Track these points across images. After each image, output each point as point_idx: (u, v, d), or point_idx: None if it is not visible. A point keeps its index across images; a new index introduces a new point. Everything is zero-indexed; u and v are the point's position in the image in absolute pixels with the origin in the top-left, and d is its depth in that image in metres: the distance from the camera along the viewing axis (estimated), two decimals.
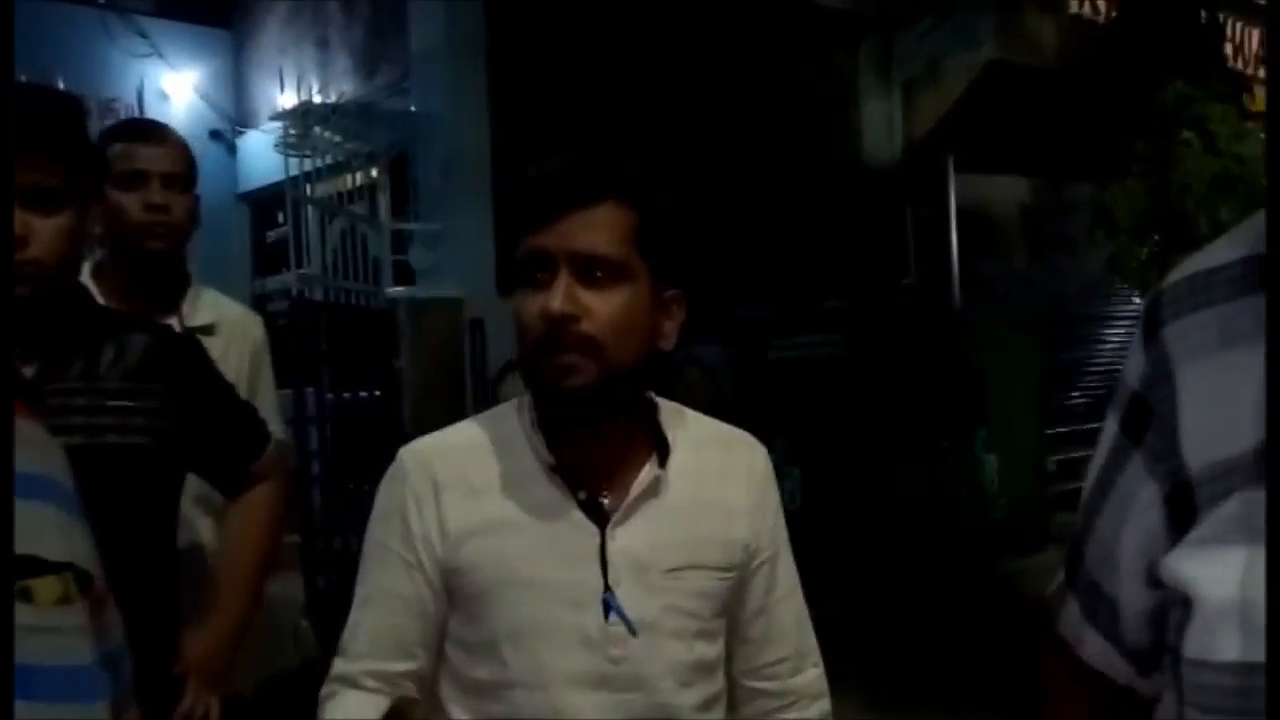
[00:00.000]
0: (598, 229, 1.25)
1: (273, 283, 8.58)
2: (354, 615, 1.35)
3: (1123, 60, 7.04)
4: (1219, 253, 0.82)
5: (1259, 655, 0.69)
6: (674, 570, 1.31)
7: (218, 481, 1.93)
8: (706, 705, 1.34)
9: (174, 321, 2.26)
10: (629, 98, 7.03)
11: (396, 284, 7.50)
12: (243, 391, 2.15)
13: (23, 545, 0.82)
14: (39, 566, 0.84)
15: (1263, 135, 7.72)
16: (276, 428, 2.36)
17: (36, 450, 0.90)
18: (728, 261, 7.57)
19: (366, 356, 7.31)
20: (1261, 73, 8.74)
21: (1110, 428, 0.87)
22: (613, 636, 1.28)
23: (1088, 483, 0.90)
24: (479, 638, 1.30)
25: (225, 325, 2.47)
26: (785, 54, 6.81)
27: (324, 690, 1.34)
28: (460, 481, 1.32)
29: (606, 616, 1.28)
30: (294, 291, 7.44)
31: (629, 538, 1.30)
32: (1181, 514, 0.78)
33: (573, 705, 1.27)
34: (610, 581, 1.29)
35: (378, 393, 7.33)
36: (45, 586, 0.84)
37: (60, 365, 1.58)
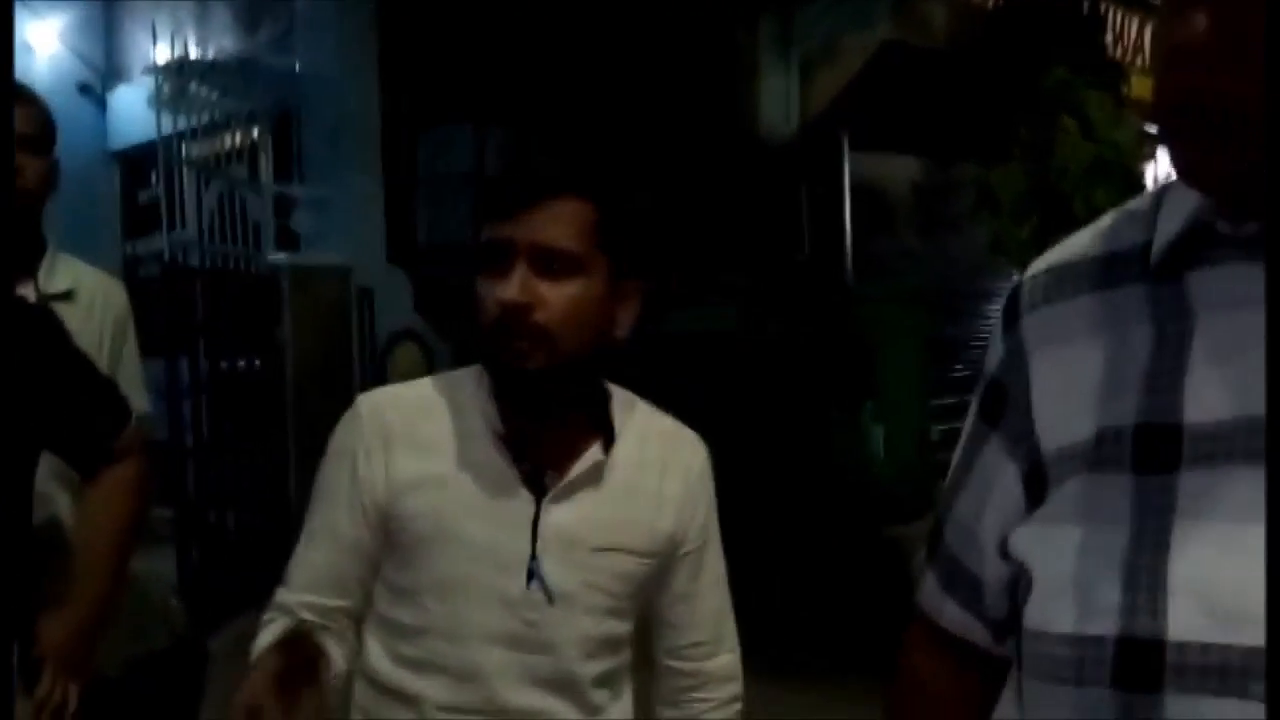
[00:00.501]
0: (558, 223, 1.32)
1: (144, 245, 8.20)
2: (299, 548, 1.43)
3: (1008, 45, 7.23)
4: (1073, 249, 0.85)
5: (1092, 628, 0.73)
6: (599, 549, 1.40)
7: (74, 460, 1.86)
8: (606, 678, 1.44)
9: (29, 290, 2.17)
10: (525, 61, 6.90)
11: (279, 250, 7.25)
12: (104, 363, 2.10)
13: None
14: None
15: (1139, 121, 8.03)
16: (140, 402, 2.30)
17: None
18: (625, 233, 7.54)
19: (246, 325, 7.06)
20: (1140, 61, 9.10)
21: (972, 412, 0.92)
22: (531, 601, 1.36)
23: (952, 464, 0.95)
24: (407, 584, 1.38)
25: (84, 292, 2.38)
26: (683, 26, 6.79)
27: (265, 615, 1.41)
28: (410, 435, 1.39)
29: (529, 583, 1.36)
30: (167, 255, 7.12)
31: (562, 514, 1.38)
32: (1037, 493, 0.81)
33: (484, 659, 1.36)
34: (538, 550, 1.36)
35: (257, 363, 7.09)
36: None
37: None
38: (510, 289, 1.30)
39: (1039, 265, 0.89)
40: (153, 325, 7.77)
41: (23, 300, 1.83)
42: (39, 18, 7.99)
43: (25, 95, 2.18)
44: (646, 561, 1.44)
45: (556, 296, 1.31)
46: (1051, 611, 0.76)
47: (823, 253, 7.40)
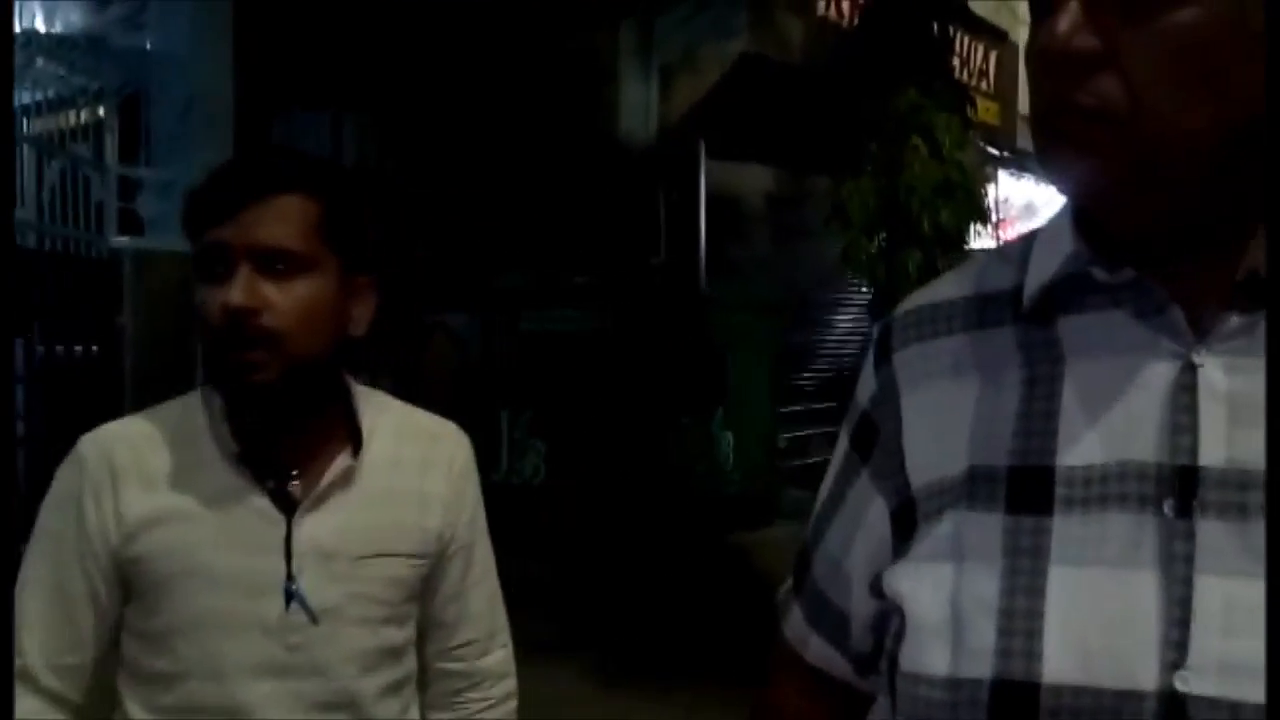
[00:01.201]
0: (277, 221, 1.25)
1: None
2: (23, 605, 1.31)
3: (861, 65, 7.45)
4: (945, 289, 0.87)
5: (968, 670, 0.73)
6: (363, 558, 1.33)
7: None
8: (391, 689, 1.37)
9: None
10: (383, 55, 6.83)
11: (122, 233, 7.00)
12: None
13: None
14: None
15: (982, 143, 8.34)
16: None
17: None
18: (482, 232, 7.52)
19: (85, 309, 6.80)
20: (984, 85, 9.47)
21: (842, 444, 0.91)
22: (292, 624, 1.29)
23: (820, 495, 0.93)
24: (155, 628, 1.29)
25: None
26: (546, 29, 6.81)
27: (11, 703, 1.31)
28: (140, 471, 1.30)
29: (288, 606, 1.29)
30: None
31: (316, 526, 1.31)
32: (906, 530, 0.81)
33: (247, 694, 1.27)
34: (294, 570, 1.29)
35: (95, 348, 6.84)
36: None
37: None
38: (234, 293, 1.22)
39: (910, 303, 0.88)
40: None
41: None
42: None
43: None
44: (417, 563, 1.38)
45: (284, 298, 1.24)
46: (926, 653, 0.76)
47: (678, 258, 7.49)
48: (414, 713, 1.43)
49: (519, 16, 6.80)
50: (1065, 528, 0.73)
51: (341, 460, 1.33)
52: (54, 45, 6.77)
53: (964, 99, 8.04)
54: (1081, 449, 0.74)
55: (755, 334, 7.29)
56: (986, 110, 9.37)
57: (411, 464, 1.39)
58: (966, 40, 8.88)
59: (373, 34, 6.71)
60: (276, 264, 1.24)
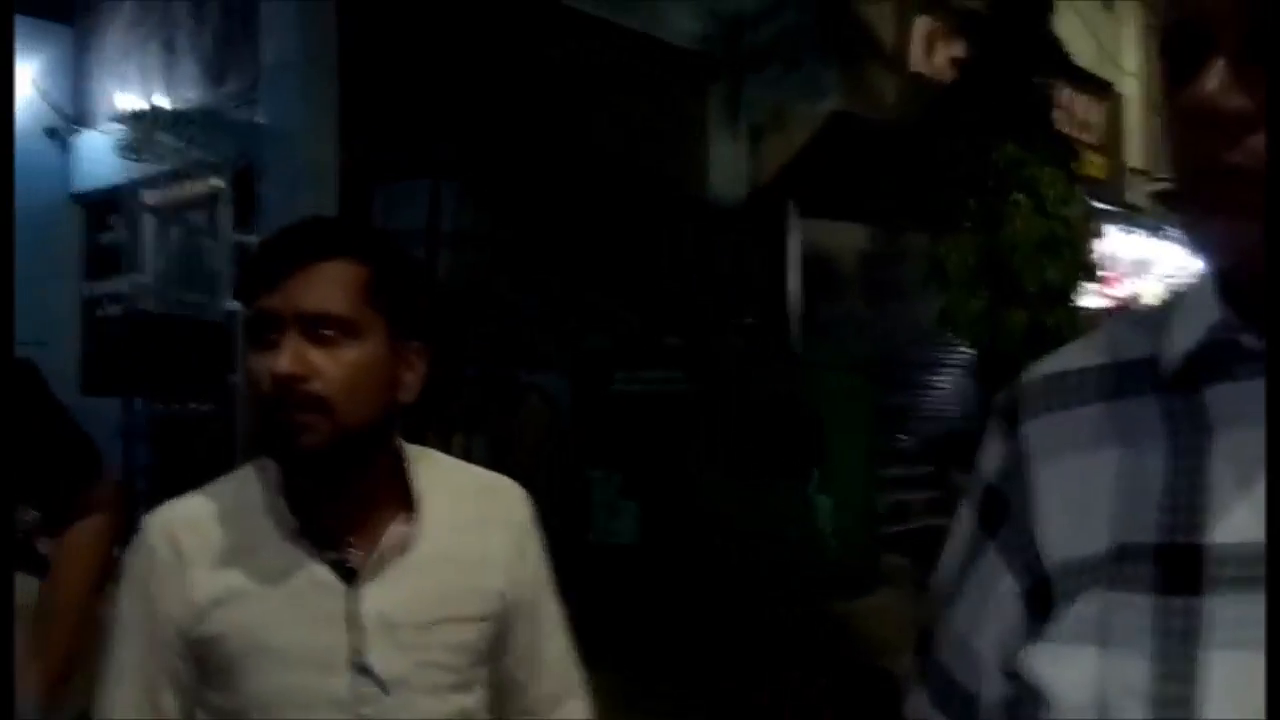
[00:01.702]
0: (324, 287, 1.25)
1: (104, 288, 8.28)
2: (107, 686, 1.34)
3: (959, 120, 7.34)
4: (1076, 356, 0.84)
5: None
6: (426, 625, 1.32)
7: (45, 510, 1.89)
8: None
9: None
10: (482, 125, 7.02)
11: (236, 298, 7.31)
12: None
13: None
14: None
15: (1087, 197, 8.11)
16: None
17: None
18: (574, 294, 7.61)
19: (200, 370, 7.12)
20: (1086, 137, 9.23)
21: (965, 519, 0.88)
22: (363, 697, 1.28)
23: (941, 571, 0.90)
24: (229, 706, 1.29)
25: None
26: (635, 91, 6.91)
27: None
28: (204, 551, 1.31)
29: (357, 678, 1.28)
30: (126, 298, 7.21)
31: (379, 595, 1.30)
32: (1041, 609, 0.78)
33: None
34: (360, 642, 1.28)
35: (209, 406, 7.15)
36: None
37: None
38: (282, 360, 1.22)
39: (1038, 370, 0.85)
40: (109, 366, 7.89)
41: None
42: None
43: None
44: (481, 626, 1.36)
45: (332, 364, 1.24)
46: None
47: (769, 318, 7.44)
48: None
49: (610, 82, 6.92)
50: (1218, 609, 0.69)
51: (398, 526, 1.32)
52: (173, 121, 7.18)
53: (1068, 152, 7.86)
54: (1234, 525, 0.70)
55: (850, 395, 7.15)
56: (1092, 163, 9.11)
57: (469, 524, 1.38)
58: (1069, 93, 8.67)
59: (470, 104, 6.91)
60: (324, 330, 1.24)
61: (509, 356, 7.18)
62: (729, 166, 7.23)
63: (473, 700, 1.36)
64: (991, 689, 0.84)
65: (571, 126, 6.94)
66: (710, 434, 6.79)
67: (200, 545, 1.31)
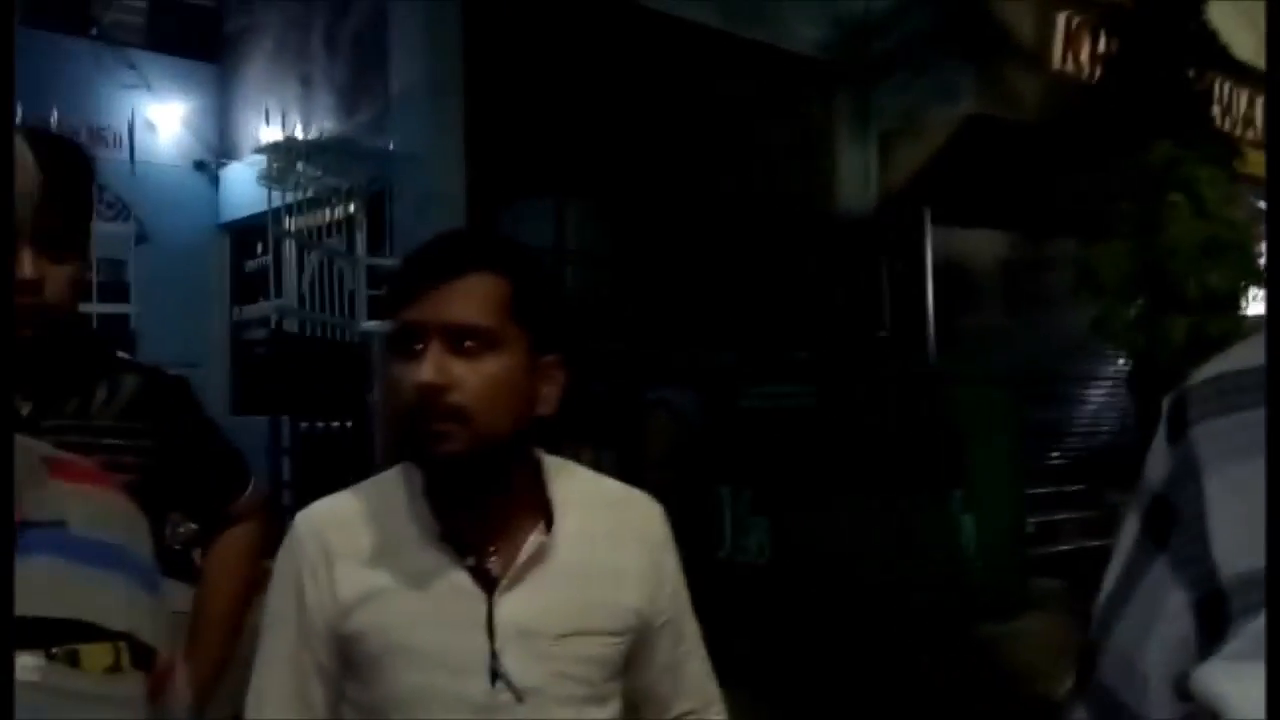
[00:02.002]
0: (467, 299, 1.28)
1: (250, 312, 8.65)
2: (257, 679, 1.38)
3: (1106, 118, 6.98)
4: (1245, 355, 0.79)
5: None
6: (562, 636, 1.32)
7: (199, 519, 1.96)
8: None
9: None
10: (605, 143, 7.03)
11: (371, 318, 7.53)
12: None
13: (82, 611, 0.83)
14: (92, 633, 0.84)
15: (1253, 198, 7.60)
16: None
17: (117, 519, 0.92)
18: (703, 308, 7.53)
19: (340, 388, 7.32)
20: (1250, 134, 8.64)
21: (1130, 530, 0.83)
22: (498, 703, 1.29)
23: (1105, 586, 0.86)
24: (369, 701, 1.32)
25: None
26: (761, 102, 6.80)
27: None
28: (351, 550, 1.34)
29: (493, 684, 1.29)
30: (271, 322, 7.48)
31: (516, 604, 1.31)
32: (1213, 623, 0.73)
33: None
34: (497, 648, 1.30)
35: (349, 424, 7.34)
36: (94, 653, 0.83)
37: (55, 403, 1.64)
38: (425, 371, 1.25)
39: (1208, 371, 0.81)
40: (256, 387, 8.20)
41: (161, 371, 1.91)
42: (162, 101, 8.66)
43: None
44: (616, 641, 1.37)
45: (473, 375, 1.27)
46: None
47: (904, 330, 7.20)
48: None
49: (734, 94, 6.83)
50: None
51: (535, 536, 1.34)
52: (310, 150, 7.44)
53: (1229, 150, 7.38)
54: None
55: (993, 410, 6.83)
56: (1257, 161, 8.54)
57: (603, 537, 1.39)
58: (1228, 87, 8.15)
59: (593, 123, 6.92)
60: (466, 341, 1.27)
61: (636, 373, 7.14)
62: (859, 175, 7.05)
63: (607, 714, 1.37)
64: (1159, 709, 0.79)
65: (696, 141, 6.88)
66: (842, 450, 6.60)
67: (347, 544, 1.35)
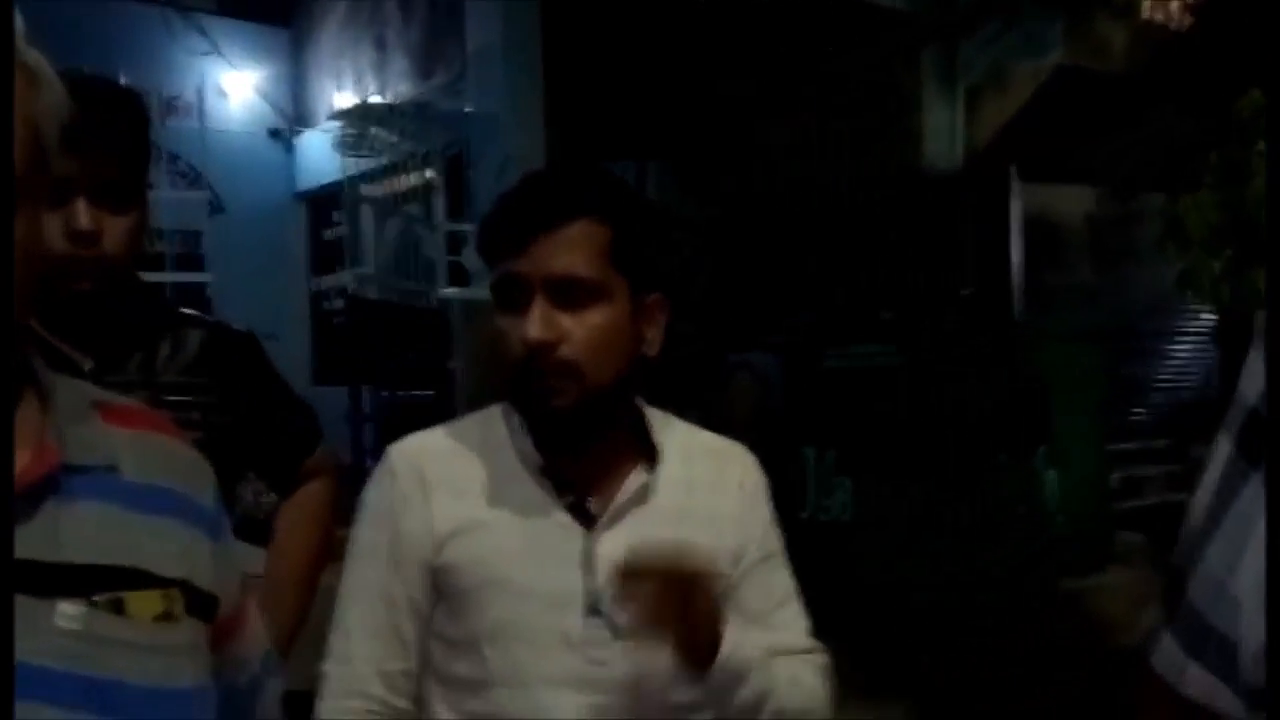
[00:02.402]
0: (568, 251, 1.26)
1: (328, 281, 8.66)
2: (347, 615, 1.35)
3: (1197, 68, 6.82)
4: None
5: None
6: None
7: (270, 477, 1.91)
8: (695, 707, 1.33)
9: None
10: (685, 101, 6.96)
11: (451, 285, 7.53)
12: None
13: (132, 558, 0.81)
14: (142, 580, 0.81)
15: None
16: None
17: (175, 465, 0.90)
18: (784, 269, 7.48)
19: (420, 356, 7.35)
20: None
21: (1223, 448, 0.81)
22: (594, 639, 1.29)
23: (1194, 508, 0.84)
24: (461, 635, 1.31)
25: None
26: (844, 58, 6.70)
27: (328, 701, 1.33)
28: (448, 481, 1.33)
29: (590, 619, 1.29)
30: (349, 290, 7.51)
31: (614, 542, 1.29)
32: None
33: (553, 706, 1.27)
34: (595, 585, 1.29)
35: (430, 393, 7.37)
36: (142, 601, 0.81)
37: (118, 359, 1.59)
38: (533, 327, 1.25)
39: None
40: (336, 357, 8.25)
41: (227, 326, 1.87)
42: (235, 68, 8.61)
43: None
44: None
45: (580, 328, 1.26)
46: None
47: (989, 288, 7.12)
48: None
49: (817, 51, 6.73)
50: None
51: (636, 477, 1.34)
52: (387, 115, 7.41)
53: None
54: None
55: (1079, 367, 6.78)
56: None
57: (702, 484, 1.39)
58: None
59: (672, 83, 6.85)
60: (571, 293, 1.26)
61: (718, 336, 7.12)
62: (945, 131, 6.94)
63: None
64: (1254, 633, 0.77)
65: (779, 100, 6.79)
66: (926, 409, 6.57)
67: (444, 474, 1.33)
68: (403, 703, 1.33)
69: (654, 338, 1.34)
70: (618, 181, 1.37)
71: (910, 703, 4.79)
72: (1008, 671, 5.05)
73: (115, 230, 1.49)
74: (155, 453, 0.88)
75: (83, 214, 1.44)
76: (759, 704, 1.30)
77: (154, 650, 0.80)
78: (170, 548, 0.84)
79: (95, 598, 0.78)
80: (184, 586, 0.84)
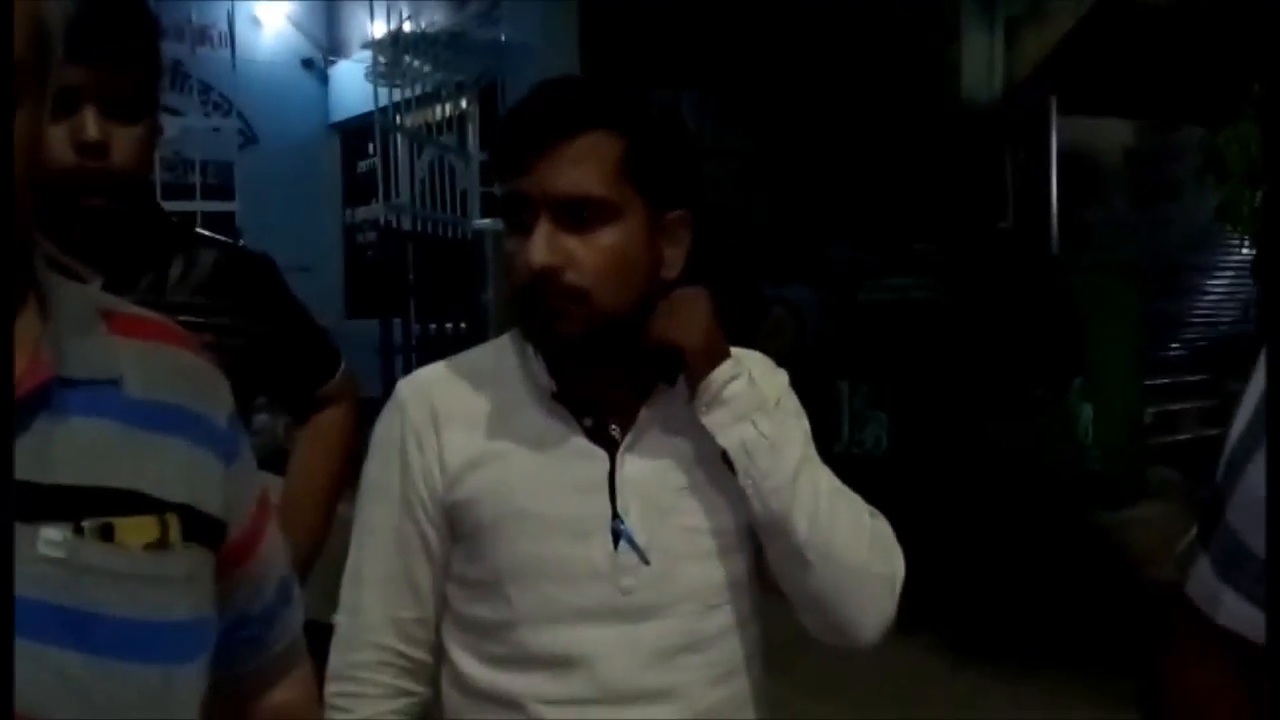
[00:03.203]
0: (578, 166, 1.16)
1: (362, 213, 8.65)
2: (359, 561, 1.29)
3: None
4: None
5: None
6: (687, 489, 1.26)
7: (286, 403, 1.88)
8: (735, 627, 1.28)
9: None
10: (721, 31, 6.89)
11: (484, 216, 7.52)
12: None
13: (128, 479, 0.75)
14: (139, 503, 0.75)
15: None
16: None
17: (185, 380, 0.83)
18: (821, 202, 7.45)
19: (453, 288, 7.36)
20: None
21: (1260, 369, 0.80)
22: (623, 566, 1.22)
23: (1234, 432, 0.82)
24: (480, 575, 1.24)
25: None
26: None
27: (343, 658, 1.26)
28: (460, 413, 1.26)
29: (616, 546, 1.22)
30: (382, 222, 7.49)
31: (638, 464, 1.24)
32: None
33: (582, 640, 1.21)
34: (619, 509, 1.23)
35: (463, 325, 7.39)
36: (132, 527, 0.74)
37: (128, 277, 1.54)
38: (537, 251, 1.15)
39: None
40: (368, 288, 8.26)
41: (243, 248, 1.84)
42: None
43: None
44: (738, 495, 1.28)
45: (588, 251, 1.17)
46: None
47: (1027, 222, 7.08)
48: (759, 659, 1.31)
49: None
50: None
51: (658, 395, 1.27)
52: (419, 43, 7.36)
53: None
54: None
55: (1115, 301, 6.75)
56: None
57: None
58: None
59: (710, 12, 6.78)
60: (579, 213, 1.17)
61: (753, 269, 7.10)
62: (984, 63, 6.86)
63: (738, 566, 1.29)
64: None
65: (816, 30, 6.72)
66: (961, 342, 6.57)
67: (455, 406, 1.26)
68: (419, 653, 1.27)
69: (675, 258, 1.24)
70: (633, 93, 1.26)
71: (943, 633, 4.84)
72: (1039, 604, 5.10)
73: (124, 142, 1.44)
74: (165, 366, 0.82)
75: (91, 124, 1.39)
76: (795, 477, 1.24)
77: (143, 580, 0.74)
78: (172, 470, 0.78)
79: (84, 523, 0.72)
80: (184, 511, 0.78)
